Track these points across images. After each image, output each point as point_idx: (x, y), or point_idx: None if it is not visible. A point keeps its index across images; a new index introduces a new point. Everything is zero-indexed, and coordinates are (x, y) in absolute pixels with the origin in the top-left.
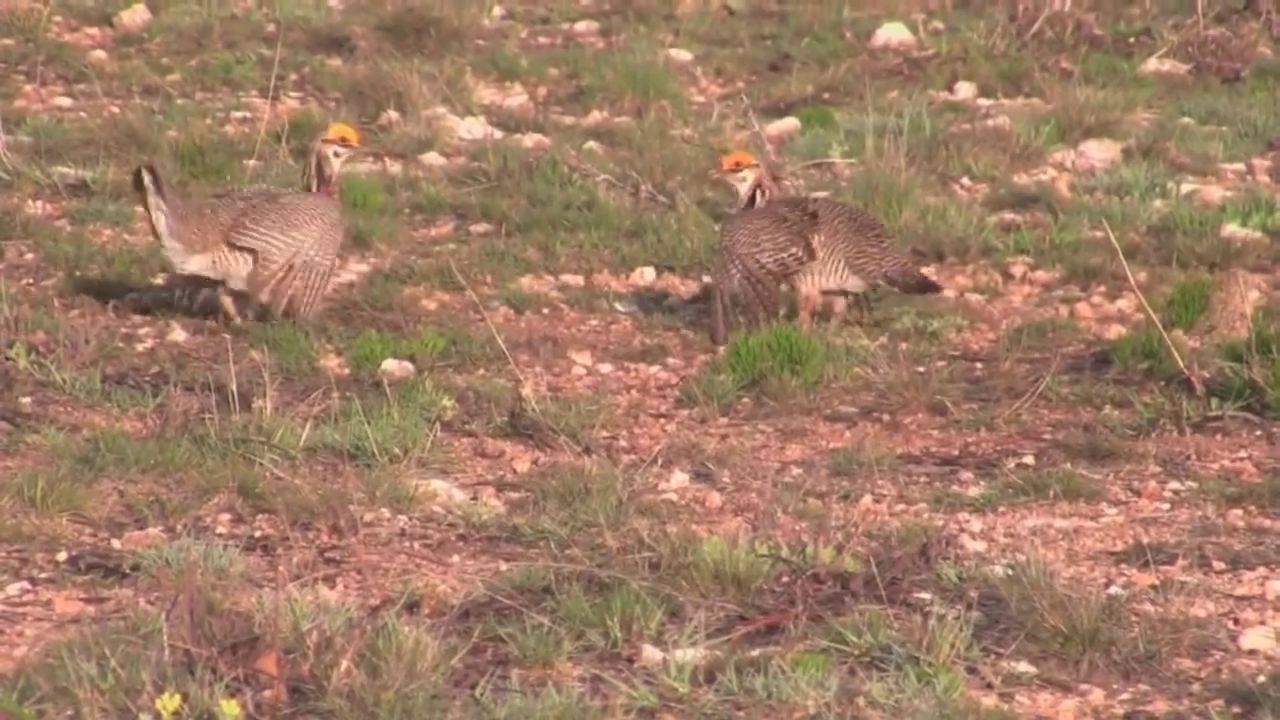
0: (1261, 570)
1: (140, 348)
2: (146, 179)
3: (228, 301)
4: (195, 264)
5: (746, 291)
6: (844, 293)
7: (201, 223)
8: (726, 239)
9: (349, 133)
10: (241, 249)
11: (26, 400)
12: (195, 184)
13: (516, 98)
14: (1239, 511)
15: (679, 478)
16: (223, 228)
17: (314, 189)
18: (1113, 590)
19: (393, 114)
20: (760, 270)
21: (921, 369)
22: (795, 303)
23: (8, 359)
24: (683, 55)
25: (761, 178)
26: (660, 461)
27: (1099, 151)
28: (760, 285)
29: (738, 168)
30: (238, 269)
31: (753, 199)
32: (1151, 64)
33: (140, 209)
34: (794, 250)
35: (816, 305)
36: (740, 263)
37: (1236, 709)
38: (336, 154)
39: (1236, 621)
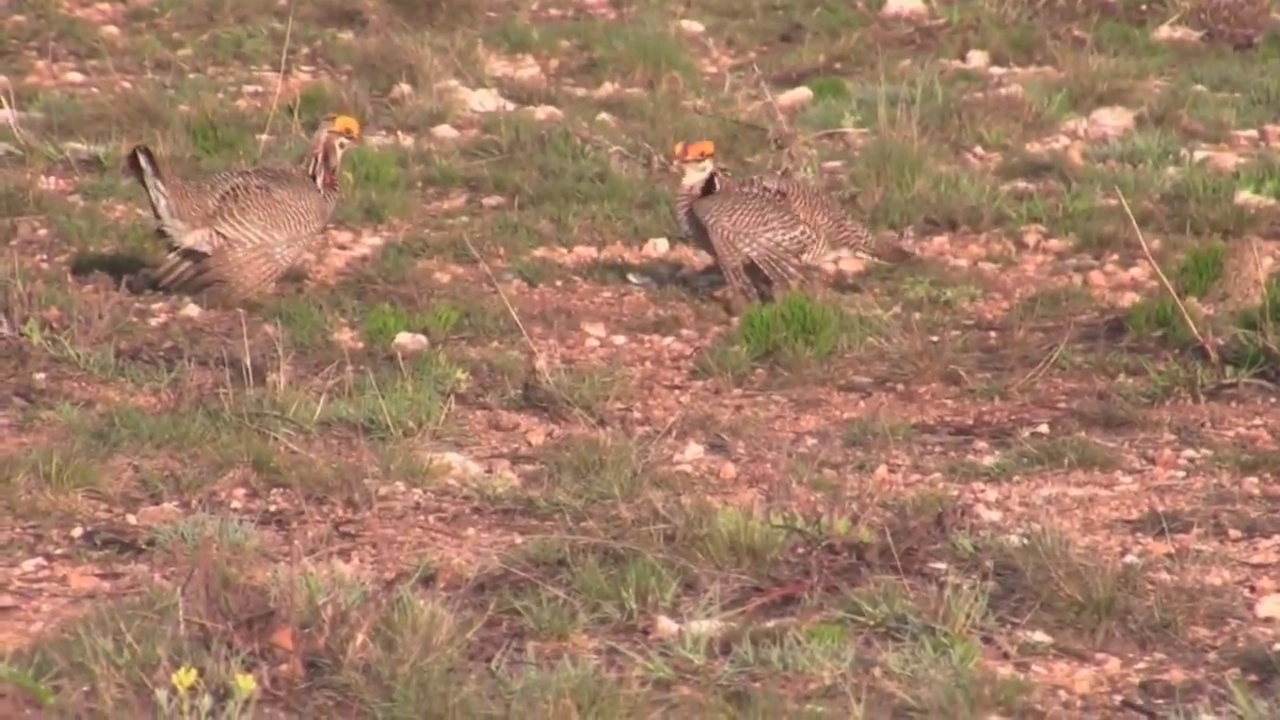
0: (1277, 538)
1: (154, 323)
2: (142, 161)
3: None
4: (192, 239)
5: (768, 268)
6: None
7: (200, 199)
8: (725, 219)
9: (353, 125)
10: (219, 232)
11: (41, 376)
12: (208, 159)
13: (528, 70)
14: (1254, 479)
15: (694, 449)
16: (211, 206)
17: (318, 177)
18: (1128, 559)
19: (405, 87)
20: (778, 248)
21: (935, 338)
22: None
23: (22, 335)
24: (694, 26)
25: (716, 171)
26: (675, 433)
27: (1112, 119)
28: (780, 264)
29: (702, 157)
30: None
31: (709, 189)
32: (1164, 31)
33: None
34: (803, 227)
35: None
36: (750, 239)
37: (1253, 677)
38: (342, 145)
39: (1252, 589)
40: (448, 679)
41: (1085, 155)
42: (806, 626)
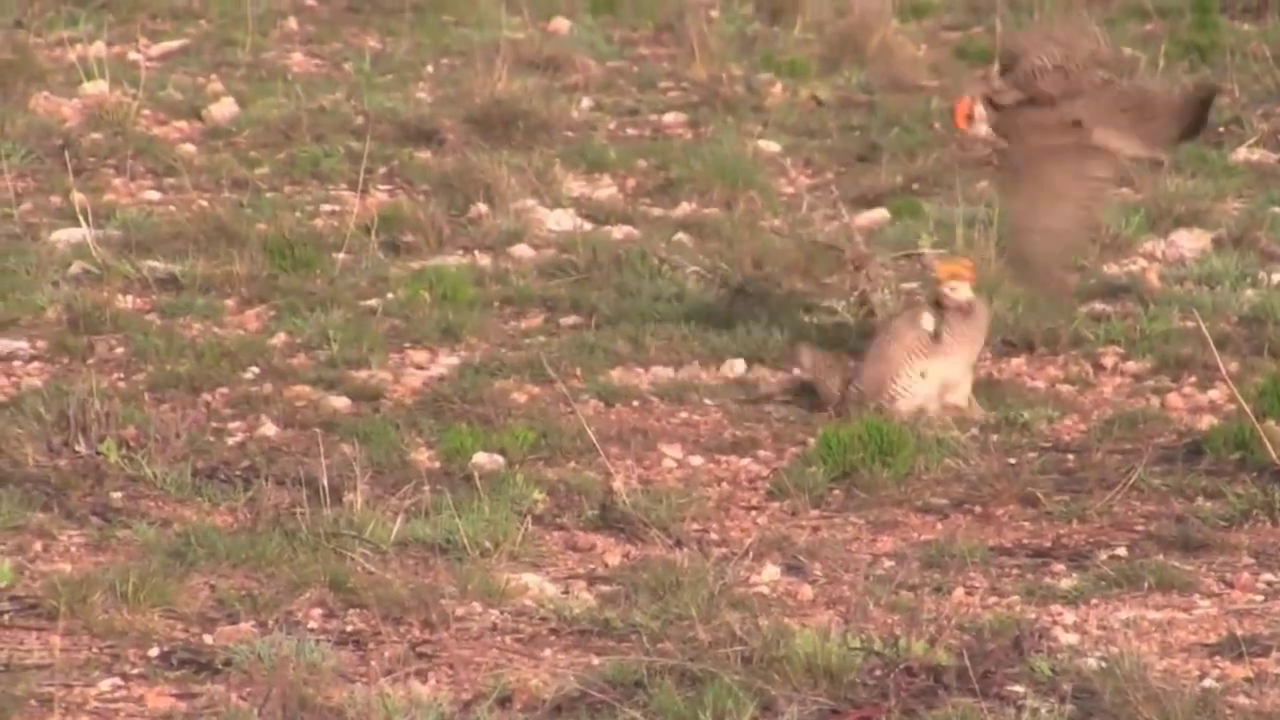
0: None
1: (230, 441)
2: None
3: None
4: None
5: None
6: None
7: None
8: None
9: None
10: None
11: (117, 495)
12: (284, 278)
13: (605, 189)
14: None
15: (770, 570)
16: None
17: None
18: (1206, 683)
19: (482, 206)
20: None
21: (1013, 460)
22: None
23: (98, 454)
24: (771, 146)
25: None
26: (752, 554)
27: (1189, 241)
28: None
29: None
30: None
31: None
32: (1241, 153)
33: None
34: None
35: None
36: None
37: None
38: None
39: None
40: None
41: (1163, 277)
42: None
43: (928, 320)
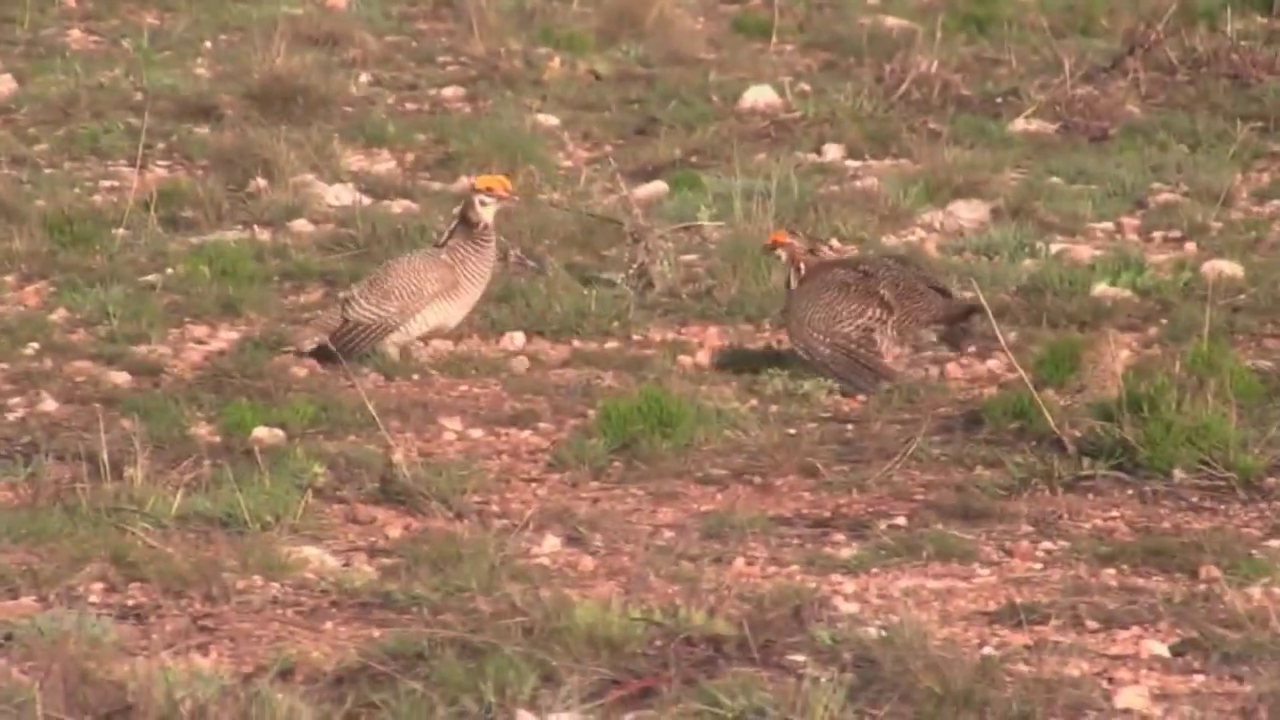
0: (1135, 629)
1: (10, 417)
2: None
3: None
4: None
5: (839, 361)
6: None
7: None
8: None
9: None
10: None
11: None
12: (64, 254)
13: (384, 164)
14: (1111, 570)
15: (551, 542)
16: None
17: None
18: (986, 651)
19: (261, 181)
20: (846, 341)
21: (793, 431)
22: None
23: None
24: (550, 120)
25: (795, 253)
26: (532, 526)
27: (967, 212)
28: (853, 355)
29: (774, 246)
30: None
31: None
32: (1019, 124)
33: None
34: (871, 311)
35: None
36: (823, 337)
37: None
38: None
39: (1110, 681)
40: None
41: (941, 248)
42: (665, 719)
43: None
